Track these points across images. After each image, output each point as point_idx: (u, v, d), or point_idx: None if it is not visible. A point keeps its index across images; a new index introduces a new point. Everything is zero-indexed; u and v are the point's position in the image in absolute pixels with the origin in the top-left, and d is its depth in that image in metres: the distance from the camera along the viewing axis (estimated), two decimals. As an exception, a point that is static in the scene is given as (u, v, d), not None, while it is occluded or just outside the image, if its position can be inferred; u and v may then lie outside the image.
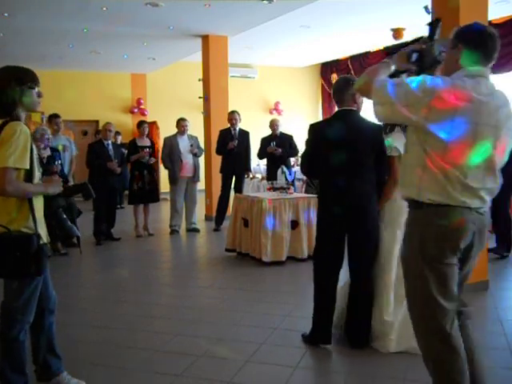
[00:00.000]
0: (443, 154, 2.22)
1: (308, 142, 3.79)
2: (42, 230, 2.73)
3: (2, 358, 2.74)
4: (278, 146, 8.07)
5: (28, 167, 2.62)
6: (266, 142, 8.28)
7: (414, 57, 2.37)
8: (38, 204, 2.74)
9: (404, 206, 3.63)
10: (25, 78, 2.70)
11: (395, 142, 3.67)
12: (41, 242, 2.67)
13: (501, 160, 2.35)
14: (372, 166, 3.59)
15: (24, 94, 2.68)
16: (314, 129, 3.74)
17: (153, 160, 8.14)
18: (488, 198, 2.35)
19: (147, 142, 8.22)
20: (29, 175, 2.65)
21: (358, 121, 3.65)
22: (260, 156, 8.51)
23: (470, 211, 2.28)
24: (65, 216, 2.95)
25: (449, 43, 2.39)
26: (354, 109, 3.63)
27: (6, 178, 2.53)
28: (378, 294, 3.67)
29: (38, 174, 2.75)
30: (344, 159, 3.51)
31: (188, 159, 8.25)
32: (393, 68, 2.40)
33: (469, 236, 2.31)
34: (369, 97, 2.35)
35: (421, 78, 2.26)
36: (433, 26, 2.47)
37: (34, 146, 2.69)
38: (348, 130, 3.56)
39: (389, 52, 2.60)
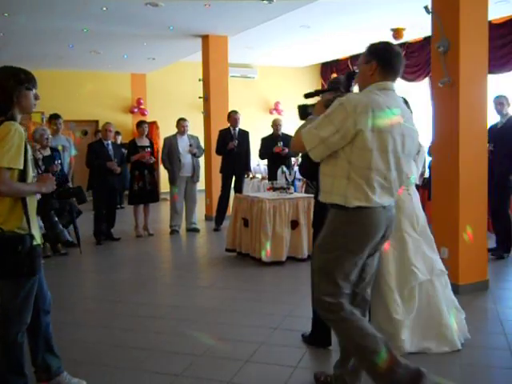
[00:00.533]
0: (366, 162, 2.53)
1: None
2: (36, 231, 2.72)
3: (0, 359, 2.73)
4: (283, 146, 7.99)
5: (22, 167, 2.61)
6: (267, 141, 8.20)
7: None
8: (32, 204, 2.73)
9: (401, 206, 3.67)
10: (23, 79, 2.69)
11: None
12: (34, 243, 2.65)
13: (407, 164, 2.72)
14: None
15: (22, 94, 2.68)
16: None
17: (152, 159, 8.13)
18: (395, 196, 2.73)
19: (146, 142, 8.22)
20: (22, 176, 2.64)
21: None
22: (262, 156, 8.42)
23: (384, 209, 2.64)
24: (56, 219, 2.94)
25: (363, 58, 2.73)
26: None
27: (0, 177, 2.52)
28: (383, 294, 3.66)
29: (31, 174, 2.74)
30: None
31: (187, 159, 8.25)
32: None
33: (383, 229, 2.67)
34: (303, 148, 2.65)
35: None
36: (350, 78, 2.89)
37: (28, 147, 2.68)
38: None
39: (308, 95, 3.06)
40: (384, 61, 2.66)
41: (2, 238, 2.58)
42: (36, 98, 2.77)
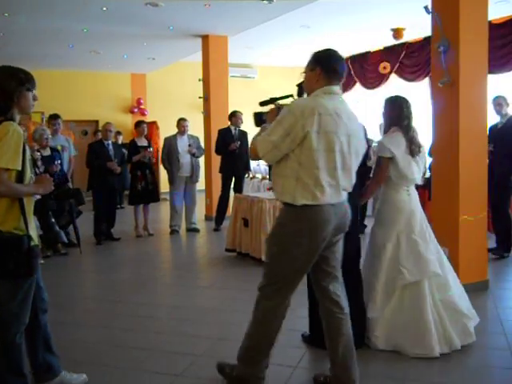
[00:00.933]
0: (314, 162, 2.69)
1: None
2: (33, 231, 2.71)
3: None
4: None
5: (20, 168, 2.60)
6: None
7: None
8: (29, 205, 2.73)
9: (401, 207, 3.67)
10: (24, 80, 2.69)
11: (389, 143, 3.67)
12: (32, 244, 2.64)
13: (355, 162, 2.88)
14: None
15: (22, 95, 2.67)
16: None
17: (150, 153, 8.09)
18: (344, 193, 2.88)
19: (145, 142, 8.20)
20: (20, 176, 2.64)
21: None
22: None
23: (333, 206, 2.79)
24: (53, 220, 2.93)
25: (308, 66, 2.89)
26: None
27: None
28: (366, 291, 3.68)
29: (29, 175, 2.73)
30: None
31: (186, 159, 8.24)
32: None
33: (333, 226, 2.80)
34: (258, 156, 2.83)
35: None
36: (300, 86, 3.04)
37: (27, 147, 2.67)
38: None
39: (263, 103, 3.21)
40: (328, 67, 2.83)
41: (0, 239, 2.57)
42: (34, 98, 2.77)
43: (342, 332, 2.94)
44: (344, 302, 3.00)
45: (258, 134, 2.92)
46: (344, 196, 2.89)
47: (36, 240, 2.74)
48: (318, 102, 2.74)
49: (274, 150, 2.73)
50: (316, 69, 2.84)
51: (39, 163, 6.36)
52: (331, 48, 2.92)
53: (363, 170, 3.70)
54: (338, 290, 3.00)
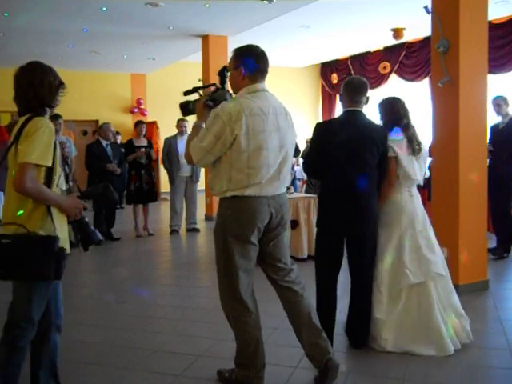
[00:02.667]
0: (244, 162, 2.80)
1: (315, 142, 3.65)
2: (62, 233, 2.58)
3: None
4: None
5: (50, 165, 2.48)
6: None
7: (210, 104, 3.01)
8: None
9: (404, 207, 3.66)
10: (58, 78, 2.63)
11: (391, 143, 3.67)
12: (60, 245, 2.50)
13: (289, 156, 2.99)
14: (375, 167, 3.58)
15: (56, 92, 2.61)
16: (322, 128, 3.65)
17: (144, 154, 8.07)
18: (281, 187, 3.01)
19: (144, 142, 8.21)
20: (50, 173, 2.50)
21: (367, 122, 3.61)
22: None
23: (267, 199, 2.90)
24: (87, 219, 2.78)
25: (232, 64, 2.94)
26: (361, 110, 3.62)
27: (27, 174, 2.38)
28: (373, 294, 3.68)
29: (59, 172, 2.60)
30: (351, 160, 3.49)
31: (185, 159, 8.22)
32: (203, 124, 2.95)
33: (265, 217, 2.90)
34: (193, 162, 2.94)
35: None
36: (223, 75, 3.07)
37: (57, 144, 2.55)
38: (357, 131, 3.52)
39: (186, 93, 3.21)
40: (250, 65, 2.89)
41: (29, 238, 2.44)
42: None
43: (301, 313, 3.08)
44: (297, 286, 3.09)
45: (192, 136, 2.98)
46: (281, 189, 3.01)
47: (66, 243, 2.62)
48: (243, 104, 2.81)
49: (207, 155, 2.85)
50: (239, 67, 2.90)
51: None
52: (253, 44, 3.02)
53: (383, 172, 3.68)
54: (288, 276, 3.08)
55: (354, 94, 3.58)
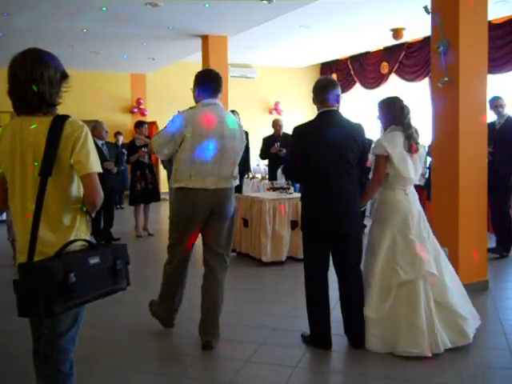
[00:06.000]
0: (189, 158, 3.60)
1: (296, 145, 3.69)
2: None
3: None
4: (281, 147, 7.84)
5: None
6: (268, 142, 8.12)
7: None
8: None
9: (397, 206, 3.67)
10: (60, 68, 2.25)
11: (385, 142, 3.68)
12: None
13: (232, 156, 3.73)
14: (356, 165, 3.60)
15: (59, 87, 2.24)
16: (302, 131, 3.65)
17: (146, 153, 8.02)
18: (225, 181, 3.71)
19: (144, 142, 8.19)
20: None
21: (343, 121, 3.65)
22: (263, 156, 8.33)
23: (207, 191, 3.66)
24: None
25: (193, 84, 3.83)
26: (336, 109, 3.63)
27: (98, 185, 2.23)
28: (366, 290, 3.68)
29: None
30: (334, 160, 3.52)
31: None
32: None
33: (205, 208, 3.69)
34: (154, 152, 3.90)
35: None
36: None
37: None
38: (338, 131, 3.55)
39: None
40: (201, 86, 3.76)
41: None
42: None
43: (209, 294, 3.90)
44: (220, 275, 3.95)
45: (157, 135, 3.87)
46: (223, 184, 3.70)
47: None
48: (194, 113, 3.65)
49: (162, 149, 3.71)
50: (195, 88, 3.78)
51: None
52: (208, 69, 4.01)
53: (361, 170, 3.72)
54: (217, 261, 3.97)
55: (322, 92, 3.61)
